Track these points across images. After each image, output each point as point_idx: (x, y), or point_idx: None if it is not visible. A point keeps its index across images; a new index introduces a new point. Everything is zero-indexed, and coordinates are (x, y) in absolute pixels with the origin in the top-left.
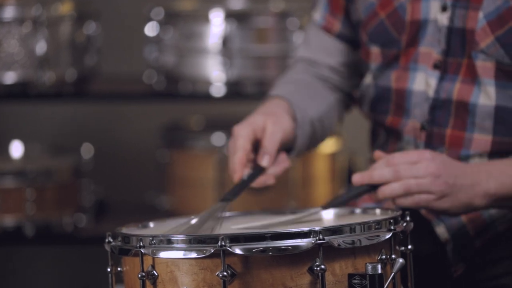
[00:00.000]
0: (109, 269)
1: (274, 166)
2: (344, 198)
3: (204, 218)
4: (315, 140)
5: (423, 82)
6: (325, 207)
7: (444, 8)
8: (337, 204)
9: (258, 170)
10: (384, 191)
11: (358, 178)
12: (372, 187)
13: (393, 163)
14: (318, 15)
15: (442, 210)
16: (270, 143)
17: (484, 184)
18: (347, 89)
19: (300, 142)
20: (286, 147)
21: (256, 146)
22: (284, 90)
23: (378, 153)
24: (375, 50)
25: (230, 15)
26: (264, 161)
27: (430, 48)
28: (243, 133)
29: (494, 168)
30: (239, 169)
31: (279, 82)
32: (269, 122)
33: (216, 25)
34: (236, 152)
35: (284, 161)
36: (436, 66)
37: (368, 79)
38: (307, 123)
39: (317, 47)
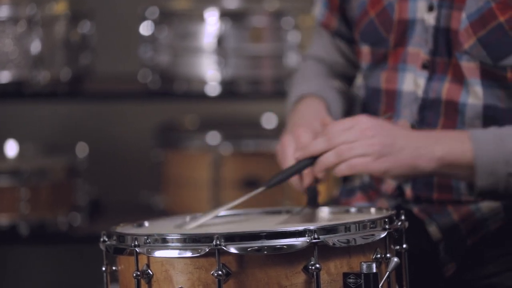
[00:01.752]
0: (104, 268)
1: None
2: (286, 174)
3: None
4: None
5: (412, 82)
6: (269, 185)
7: (430, 8)
8: (280, 180)
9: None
10: (320, 163)
11: (297, 153)
12: (313, 161)
13: (328, 132)
14: (318, 11)
15: (382, 171)
16: None
17: (430, 147)
18: (348, 83)
19: None
20: None
21: None
22: (318, 86)
23: (323, 120)
24: (365, 50)
25: (225, 15)
26: (320, 174)
27: (418, 48)
28: (309, 140)
29: (445, 134)
30: (310, 177)
31: (306, 77)
32: None
33: (211, 24)
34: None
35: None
36: (424, 66)
37: (359, 80)
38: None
39: (322, 44)
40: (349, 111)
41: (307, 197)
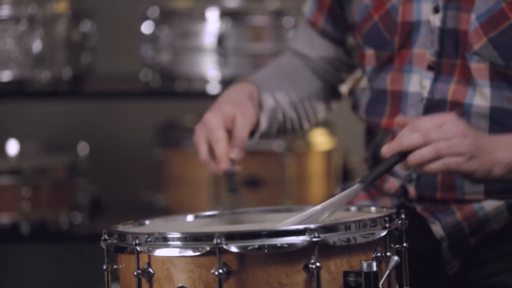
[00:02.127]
0: (105, 267)
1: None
2: (378, 172)
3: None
4: (293, 124)
5: (417, 83)
6: (363, 182)
7: (436, 10)
8: (374, 178)
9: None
10: (414, 158)
11: (387, 149)
12: (403, 156)
13: (420, 127)
14: (307, 9)
15: (470, 172)
16: (241, 136)
17: (501, 153)
18: (334, 82)
19: (264, 127)
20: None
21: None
22: (260, 74)
23: (400, 118)
24: (369, 53)
25: (226, 14)
26: (233, 154)
27: (423, 50)
28: (217, 123)
29: (510, 139)
30: (225, 160)
31: (263, 67)
32: (238, 114)
33: (212, 23)
34: (219, 143)
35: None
36: (430, 67)
37: (363, 82)
38: (279, 109)
39: (304, 40)
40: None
41: (226, 182)
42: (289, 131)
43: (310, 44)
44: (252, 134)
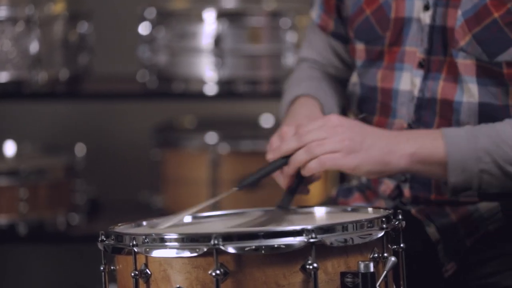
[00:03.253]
0: (102, 268)
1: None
2: (259, 175)
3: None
4: None
5: (408, 81)
6: (241, 185)
7: (426, 7)
8: (253, 181)
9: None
10: (293, 160)
11: (270, 154)
12: (286, 160)
13: (299, 131)
14: (315, 14)
15: (352, 167)
16: None
17: (401, 144)
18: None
19: None
20: None
21: None
22: (311, 88)
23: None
24: (360, 47)
25: (223, 15)
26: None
27: (414, 47)
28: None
29: (417, 132)
30: (292, 178)
31: (299, 79)
32: None
33: (209, 24)
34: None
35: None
36: (420, 65)
37: (354, 78)
38: None
39: (317, 46)
40: (344, 109)
41: (282, 197)
42: None
43: (324, 49)
44: None
